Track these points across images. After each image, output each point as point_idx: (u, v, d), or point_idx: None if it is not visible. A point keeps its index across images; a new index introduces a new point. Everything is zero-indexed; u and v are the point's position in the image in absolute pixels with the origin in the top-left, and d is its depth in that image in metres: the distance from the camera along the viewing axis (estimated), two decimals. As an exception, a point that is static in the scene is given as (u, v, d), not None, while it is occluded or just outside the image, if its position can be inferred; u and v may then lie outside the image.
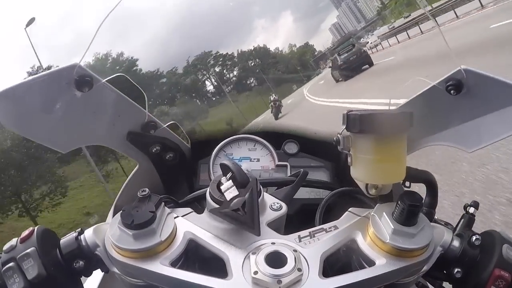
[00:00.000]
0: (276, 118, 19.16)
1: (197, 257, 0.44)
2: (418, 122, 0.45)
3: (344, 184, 0.62)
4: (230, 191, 0.45)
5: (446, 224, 0.53)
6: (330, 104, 12.08)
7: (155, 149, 0.71)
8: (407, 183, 0.58)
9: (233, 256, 0.40)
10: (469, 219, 0.50)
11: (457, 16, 13.49)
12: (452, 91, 0.49)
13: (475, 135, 0.52)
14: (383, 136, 0.43)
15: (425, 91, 0.54)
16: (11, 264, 0.41)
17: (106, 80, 0.56)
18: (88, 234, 0.45)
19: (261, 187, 0.49)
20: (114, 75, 0.61)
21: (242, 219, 0.41)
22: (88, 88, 0.52)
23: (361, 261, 0.43)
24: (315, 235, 0.44)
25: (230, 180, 0.46)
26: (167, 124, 0.74)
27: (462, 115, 0.52)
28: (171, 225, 0.43)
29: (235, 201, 0.43)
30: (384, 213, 0.44)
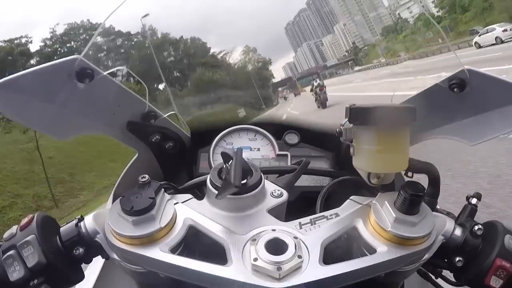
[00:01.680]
0: (324, 106, 15.21)
1: (197, 244, 0.44)
2: (421, 116, 0.45)
3: (345, 174, 0.62)
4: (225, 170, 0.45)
5: (448, 214, 0.53)
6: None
7: (154, 138, 0.71)
8: (409, 174, 0.57)
9: (233, 242, 0.40)
10: (471, 209, 0.49)
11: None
12: (455, 89, 0.50)
13: (477, 129, 0.53)
14: (386, 129, 0.43)
15: (429, 88, 0.54)
16: (11, 252, 0.41)
17: (107, 73, 0.55)
18: (88, 221, 0.45)
19: (261, 174, 0.49)
20: (115, 68, 0.61)
21: (225, 181, 0.42)
22: (89, 80, 0.52)
23: (362, 248, 0.43)
24: (316, 222, 0.44)
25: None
26: (167, 114, 0.74)
27: (465, 111, 0.53)
28: (170, 211, 0.43)
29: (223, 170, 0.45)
30: (386, 201, 0.43)
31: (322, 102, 15.49)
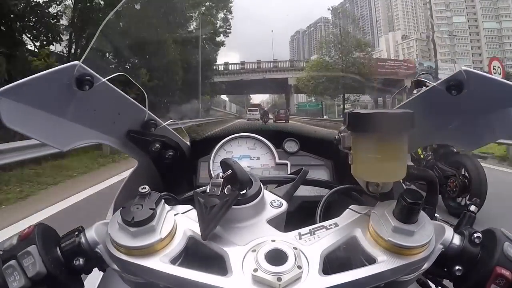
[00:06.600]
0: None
1: (197, 255, 0.44)
2: (419, 121, 0.45)
3: (344, 182, 0.62)
4: (216, 183, 0.44)
5: (447, 222, 0.53)
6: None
7: (155, 147, 0.71)
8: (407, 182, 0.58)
9: (233, 253, 0.40)
10: (470, 217, 0.49)
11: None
12: (453, 91, 0.49)
13: (475, 134, 0.53)
14: (384, 135, 0.43)
15: (426, 91, 0.54)
16: (11, 262, 0.41)
17: (106, 79, 0.56)
18: (89, 232, 0.45)
19: (261, 184, 0.49)
20: (115, 74, 0.61)
21: (202, 216, 0.42)
22: (88, 87, 0.52)
23: (361, 258, 0.43)
24: (316, 232, 0.44)
25: (224, 178, 0.45)
26: (167, 122, 0.75)
27: (462, 114, 0.53)
28: (171, 223, 0.43)
29: (210, 198, 0.42)
30: (384, 210, 0.44)
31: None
